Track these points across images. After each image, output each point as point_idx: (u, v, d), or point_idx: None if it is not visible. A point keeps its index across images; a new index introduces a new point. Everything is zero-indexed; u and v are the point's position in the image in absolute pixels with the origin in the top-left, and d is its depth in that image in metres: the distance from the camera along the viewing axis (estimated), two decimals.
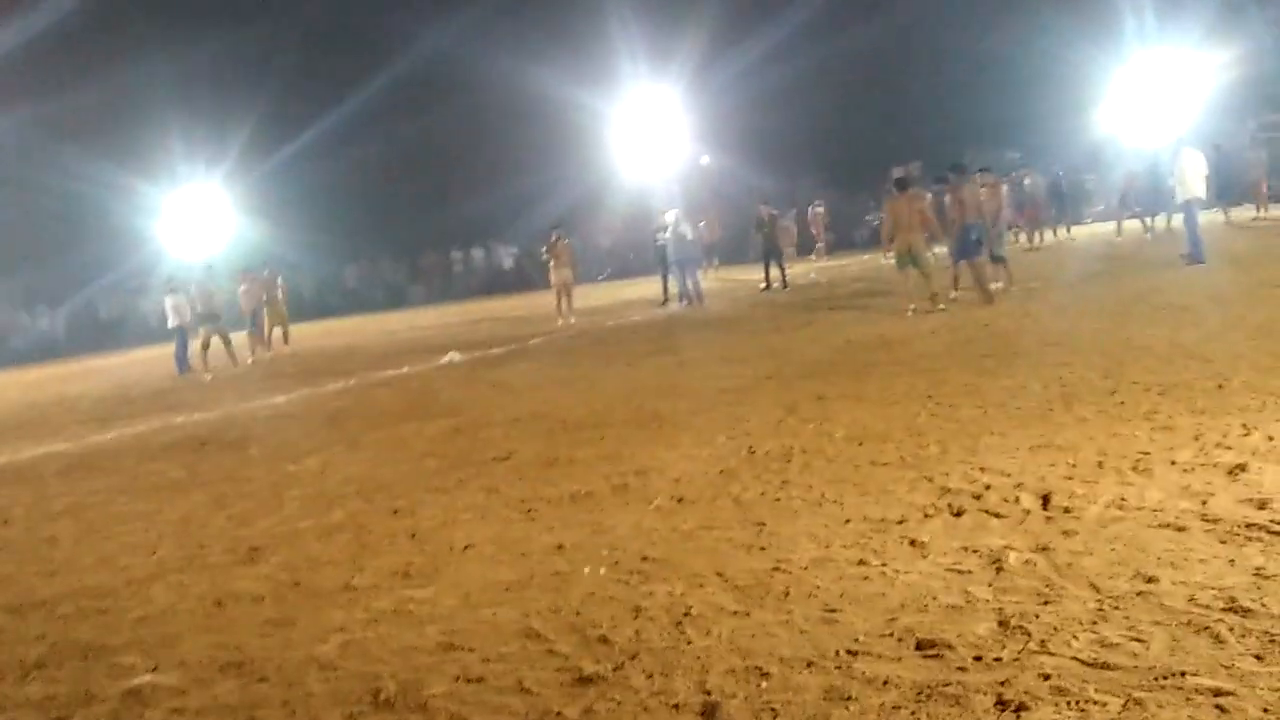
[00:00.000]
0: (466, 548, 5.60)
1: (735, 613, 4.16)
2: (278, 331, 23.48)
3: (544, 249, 23.18)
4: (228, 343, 21.15)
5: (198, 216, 42.95)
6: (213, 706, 3.92)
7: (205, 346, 20.58)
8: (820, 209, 35.94)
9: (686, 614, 4.20)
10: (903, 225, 15.33)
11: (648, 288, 27.27)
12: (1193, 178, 16.97)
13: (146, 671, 4.36)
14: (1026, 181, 27.96)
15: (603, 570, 4.90)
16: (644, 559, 5.00)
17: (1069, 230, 30.41)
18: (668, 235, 22.48)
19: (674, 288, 22.67)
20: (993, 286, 15.58)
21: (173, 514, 7.51)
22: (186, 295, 21.83)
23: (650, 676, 3.66)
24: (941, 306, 14.50)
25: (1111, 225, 27.03)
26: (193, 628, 4.87)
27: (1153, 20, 35.36)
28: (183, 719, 3.86)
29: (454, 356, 17.17)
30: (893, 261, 15.76)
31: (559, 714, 3.45)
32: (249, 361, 22.06)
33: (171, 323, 22.10)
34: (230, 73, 42.01)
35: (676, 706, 3.40)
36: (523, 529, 5.84)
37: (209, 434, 11.60)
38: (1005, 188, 22.53)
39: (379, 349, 21.74)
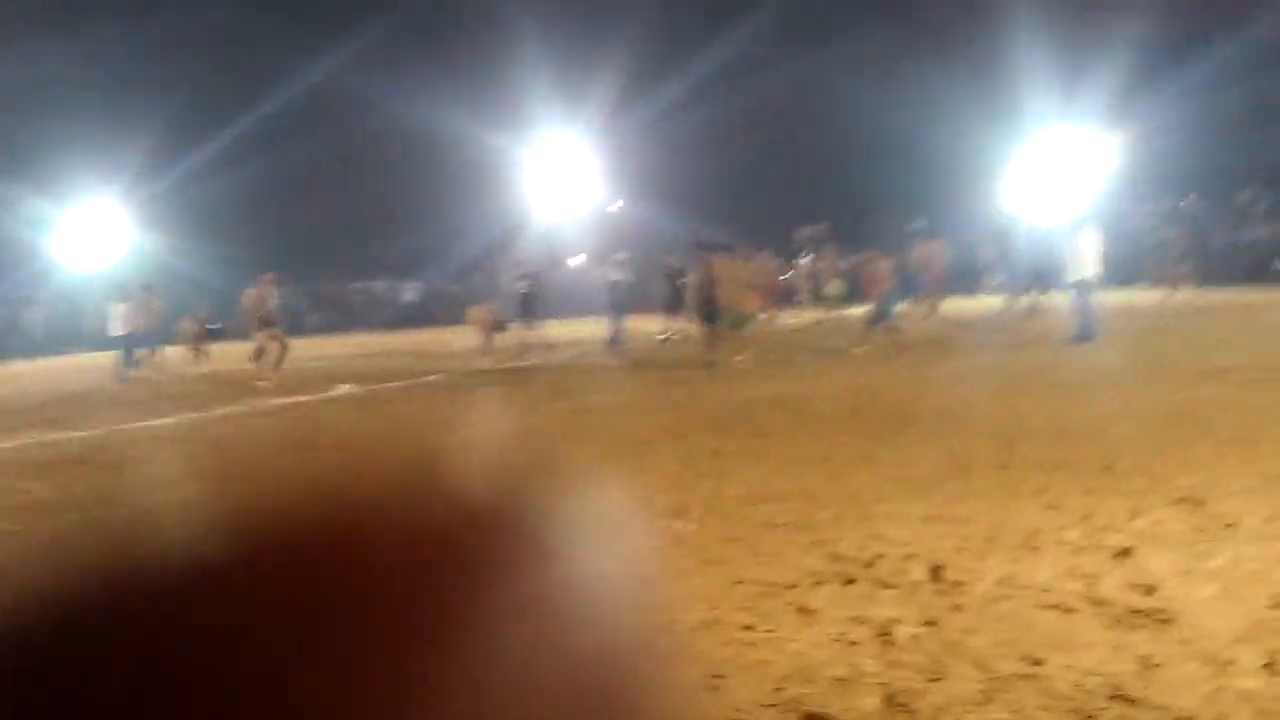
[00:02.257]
0: None
1: None
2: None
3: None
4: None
5: (93, 231, 42.00)
6: None
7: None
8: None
9: None
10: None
11: (554, 330, 27.20)
12: (1089, 257, 17.37)
13: None
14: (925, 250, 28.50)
15: None
16: None
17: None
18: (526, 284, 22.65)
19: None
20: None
21: (40, 538, 7.18)
22: (135, 304, 22.17)
23: None
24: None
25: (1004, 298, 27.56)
26: None
27: (1053, 101, 36.59)
28: None
29: (347, 388, 16.89)
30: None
31: None
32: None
33: (114, 331, 22.08)
34: (130, 84, 41.21)
35: None
36: None
37: (84, 453, 11.19)
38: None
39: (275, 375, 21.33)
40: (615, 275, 22.70)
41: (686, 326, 21.64)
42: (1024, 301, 26.28)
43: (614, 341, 22.03)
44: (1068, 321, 17.95)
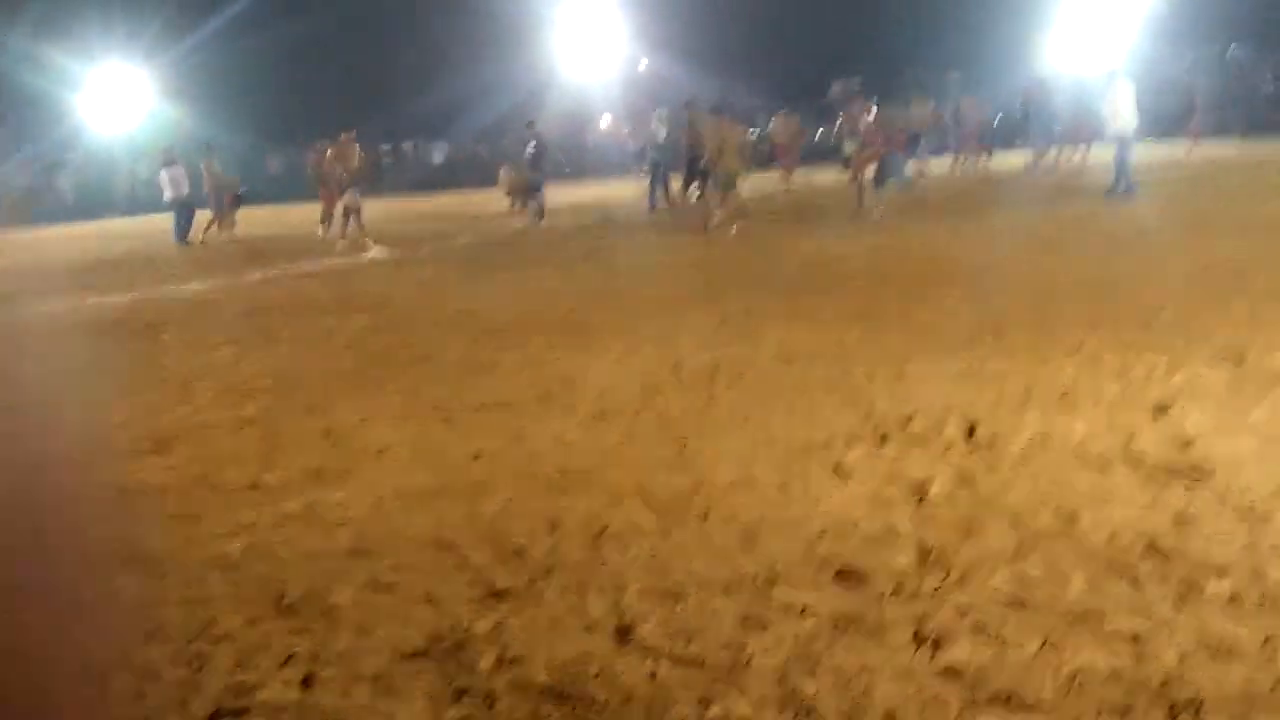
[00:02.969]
0: (381, 450, 5.47)
1: (654, 532, 4.09)
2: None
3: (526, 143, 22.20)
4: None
5: (119, 93, 41.70)
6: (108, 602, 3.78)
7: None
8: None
9: (604, 531, 4.13)
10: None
11: (583, 192, 27.03)
12: (1125, 110, 17.00)
13: None
14: (965, 105, 27.88)
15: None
16: (563, 471, 4.91)
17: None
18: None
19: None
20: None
21: (77, 399, 7.27)
22: (185, 168, 22.03)
23: (564, 593, 3.58)
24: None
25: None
26: (91, 518, 4.70)
27: None
28: (74, 613, 3.71)
29: (377, 252, 16.88)
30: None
31: (468, 629, 3.36)
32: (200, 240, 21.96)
33: (168, 195, 22.03)
34: None
35: (590, 626, 3.33)
36: (440, 434, 5.72)
37: (122, 316, 11.29)
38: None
39: (302, 239, 21.29)
40: (654, 133, 22.29)
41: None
42: (1056, 155, 25.71)
43: (652, 202, 21.75)
44: (1104, 175, 17.63)
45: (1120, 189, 16.48)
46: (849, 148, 20.15)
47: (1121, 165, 16.76)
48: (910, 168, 21.03)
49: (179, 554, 4.19)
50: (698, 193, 17.68)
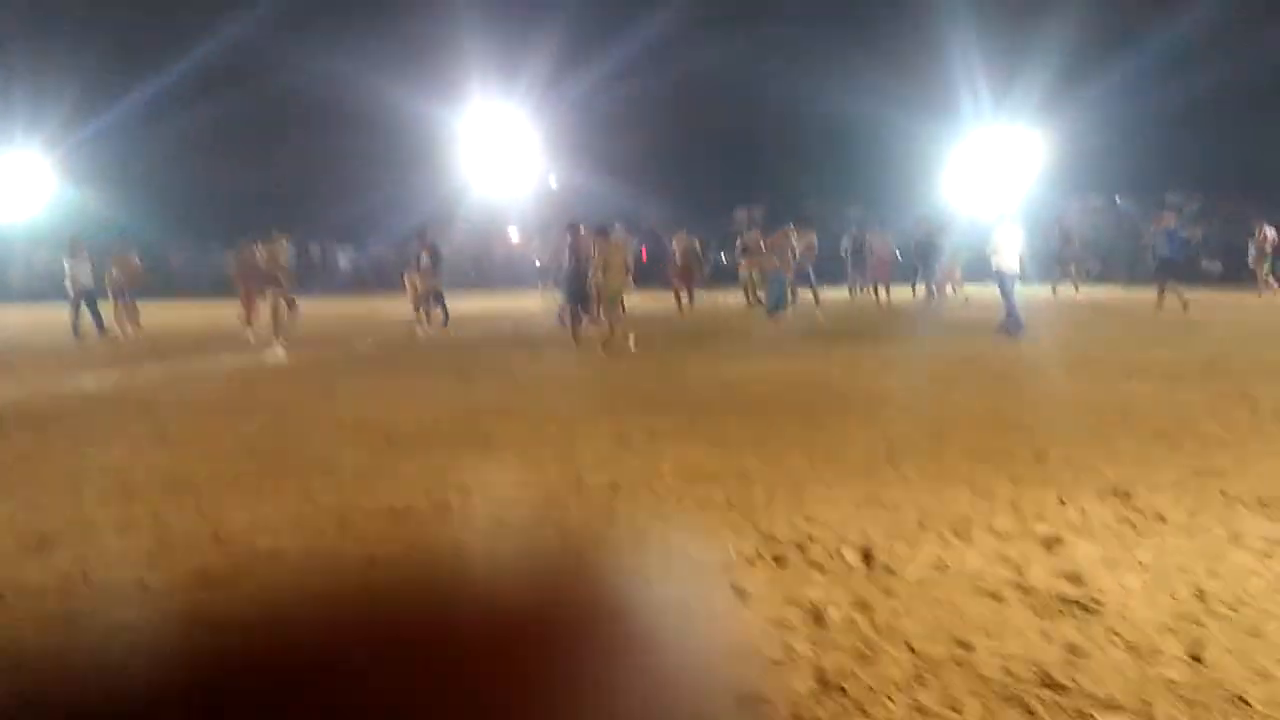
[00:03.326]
0: (273, 555, 5.34)
1: None
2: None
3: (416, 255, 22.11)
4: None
5: (17, 181, 40.99)
6: None
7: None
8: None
9: None
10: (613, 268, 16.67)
11: (491, 303, 27.05)
12: (1007, 251, 17.50)
13: None
14: (872, 238, 28.68)
15: None
16: None
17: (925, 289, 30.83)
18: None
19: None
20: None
21: None
22: (91, 259, 21.61)
23: None
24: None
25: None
26: None
27: (988, 99, 37.03)
28: None
29: (277, 352, 16.65)
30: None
31: None
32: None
33: (71, 287, 21.36)
34: (54, 32, 40.03)
35: None
36: (334, 540, 5.60)
37: (7, 411, 10.93)
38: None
39: (201, 337, 20.93)
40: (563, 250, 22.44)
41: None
42: (942, 292, 26.60)
43: (560, 317, 21.83)
44: (991, 313, 18.15)
45: (1010, 327, 16.97)
46: (744, 272, 20.67)
47: (1009, 303, 17.29)
48: (792, 295, 21.48)
49: (56, 657, 4.01)
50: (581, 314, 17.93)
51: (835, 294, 27.69)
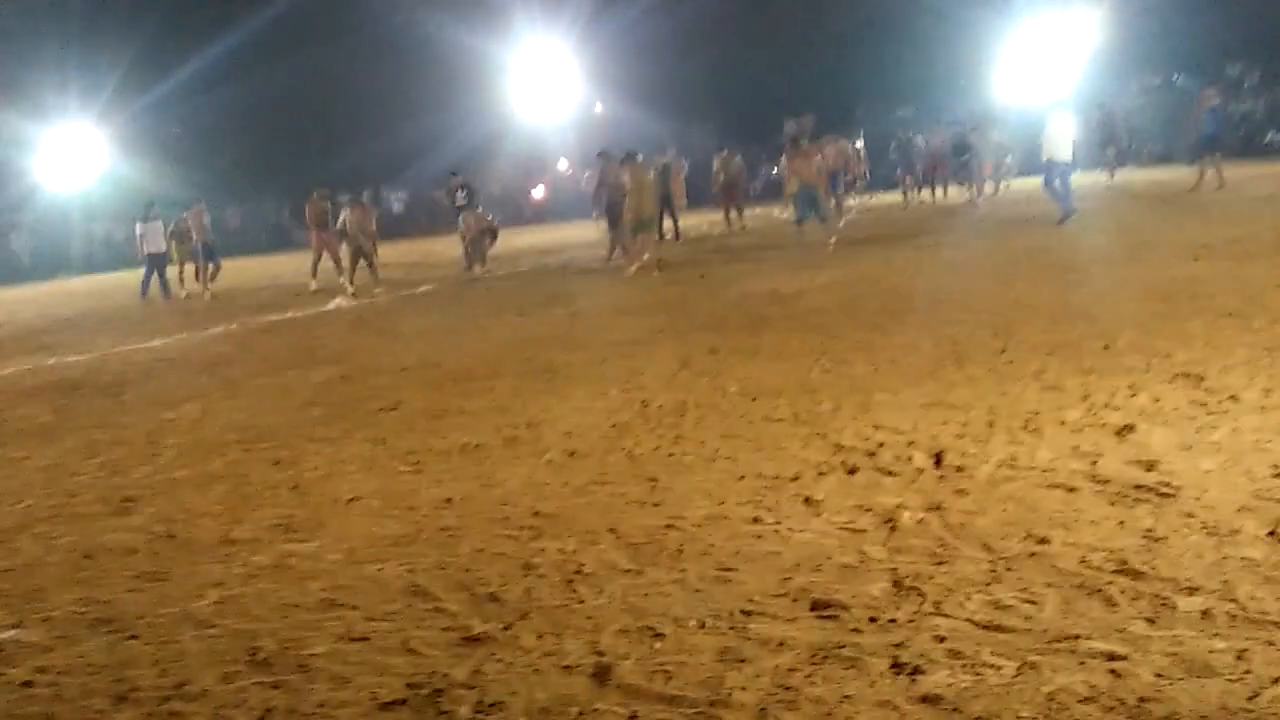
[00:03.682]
0: (351, 500, 5.43)
1: (629, 571, 4.07)
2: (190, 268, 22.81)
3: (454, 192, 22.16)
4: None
5: (73, 153, 41.46)
6: (79, 665, 3.71)
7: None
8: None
9: (578, 572, 4.11)
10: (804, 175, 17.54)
11: (539, 236, 27.06)
12: (1058, 140, 17.26)
13: (9, 628, 4.13)
14: (920, 140, 28.23)
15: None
16: (535, 514, 4.89)
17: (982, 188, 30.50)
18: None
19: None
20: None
21: (41, 461, 7.17)
22: (164, 224, 21.95)
23: (541, 636, 3.56)
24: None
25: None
26: (60, 581, 4.63)
27: None
28: (46, 678, 3.65)
29: (340, 302, 16.84)
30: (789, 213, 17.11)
31: (446, 675, 3.33)
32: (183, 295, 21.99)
33: (144, 250, 21.70)
34: (105, 5, 40.19)
35: (568, 668, 3.31)
36: (410, 482, 5.69)
37: (82, 377, 11.17)
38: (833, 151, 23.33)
39: (263, 292, 21.18)
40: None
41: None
42: (981, 190, 26.18)
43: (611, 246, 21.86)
44: (1044, 205, 17.87)
45: (1063, 215, 16.74)
46: (792, 185, 20.56)
47: (1061, 193, 17.04)
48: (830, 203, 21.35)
49: (149, 614, 4.14)
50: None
51: (890, 197, 27.40)
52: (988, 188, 26.44)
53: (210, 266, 21.84)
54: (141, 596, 4.34)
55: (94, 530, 5.37)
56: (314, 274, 19.81)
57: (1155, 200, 20.92)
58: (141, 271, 22.18)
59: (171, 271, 22.25)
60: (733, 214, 25.49)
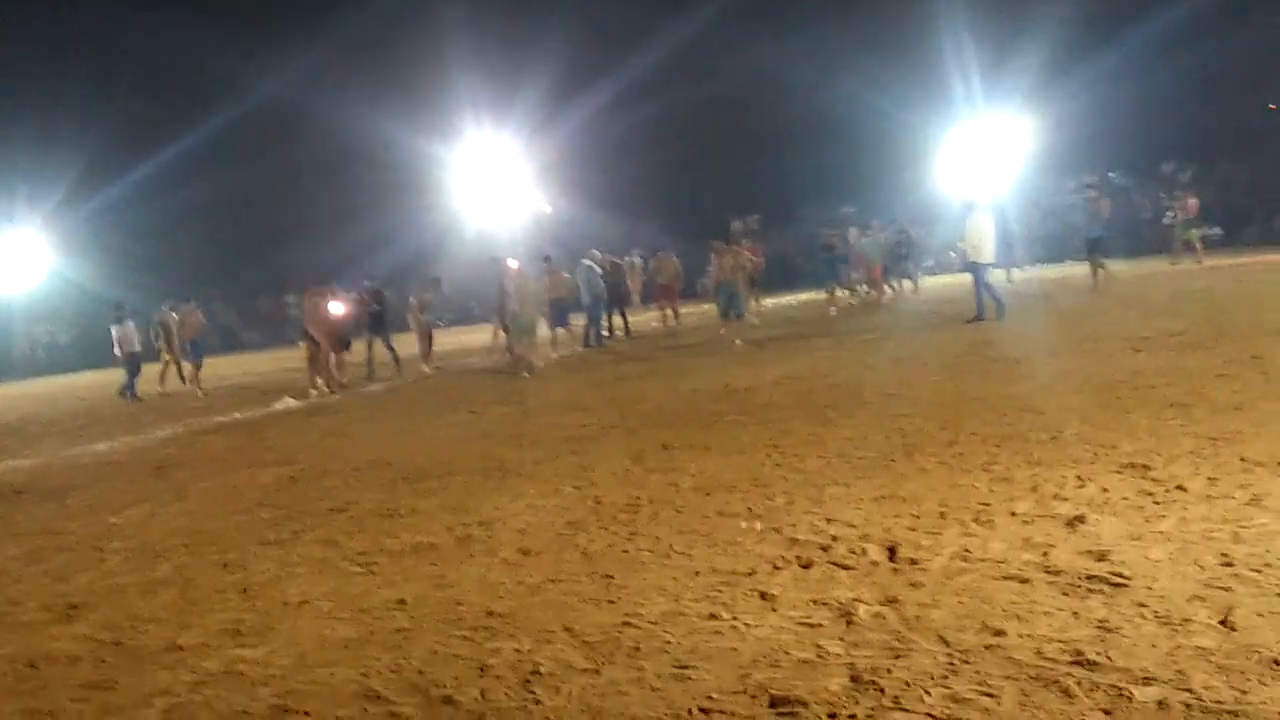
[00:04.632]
0: (302, 603, 5.34)
1: (585, 670, 4.03)
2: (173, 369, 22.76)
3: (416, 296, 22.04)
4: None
5: (16, 256, 41.35)
6: None
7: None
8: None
9: (535, 672, 4.06)
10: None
11: (486, 335, 26.97)
12: (980, 241, 17.39)
13: None
14: (859, 238, 28.71)
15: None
16: (489, 614, 4.83)
17: (913, 283, 31.11)
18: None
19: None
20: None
21: None
22: (135, 325, 21.92)
23: None
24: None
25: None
26: (2, 692, 4.51)
27: (978, 87, 37.00)
28: None
29: (289, 402, 16.72)
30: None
31: None
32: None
33: (120, 351, 21.53)
34: (55, 109, 40.32)
35: None
36: (362, 583, 5.62)
37: (25, 482, 10.98)
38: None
39: (210, 394, 20.97)
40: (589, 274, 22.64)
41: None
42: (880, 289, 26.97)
43: (590, 338, 22.15)
44: (971, 301, 18.01)
45: (983, 314, 16.98)
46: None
47: (981, 292, 17.25)
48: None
49: None
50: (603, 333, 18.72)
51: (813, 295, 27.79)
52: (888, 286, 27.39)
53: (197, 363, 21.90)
54: (86, 707, 4.23)
55: (37, 639, 5.24)
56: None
57: (1091, 295, 21.29)
58: (121, 372, 22.01)
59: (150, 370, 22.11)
60: (668, 312, 25.74)
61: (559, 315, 21.96)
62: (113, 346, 21.84)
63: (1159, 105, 37.57)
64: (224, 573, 6.16)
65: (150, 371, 22.27)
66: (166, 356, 22.55)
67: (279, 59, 40.22)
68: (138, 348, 21.87)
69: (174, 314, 22.56)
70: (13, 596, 6.15)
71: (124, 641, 5.04)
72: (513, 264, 19.63)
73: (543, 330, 20.11)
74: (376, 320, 20.81)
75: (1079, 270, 26.31)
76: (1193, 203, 28.39)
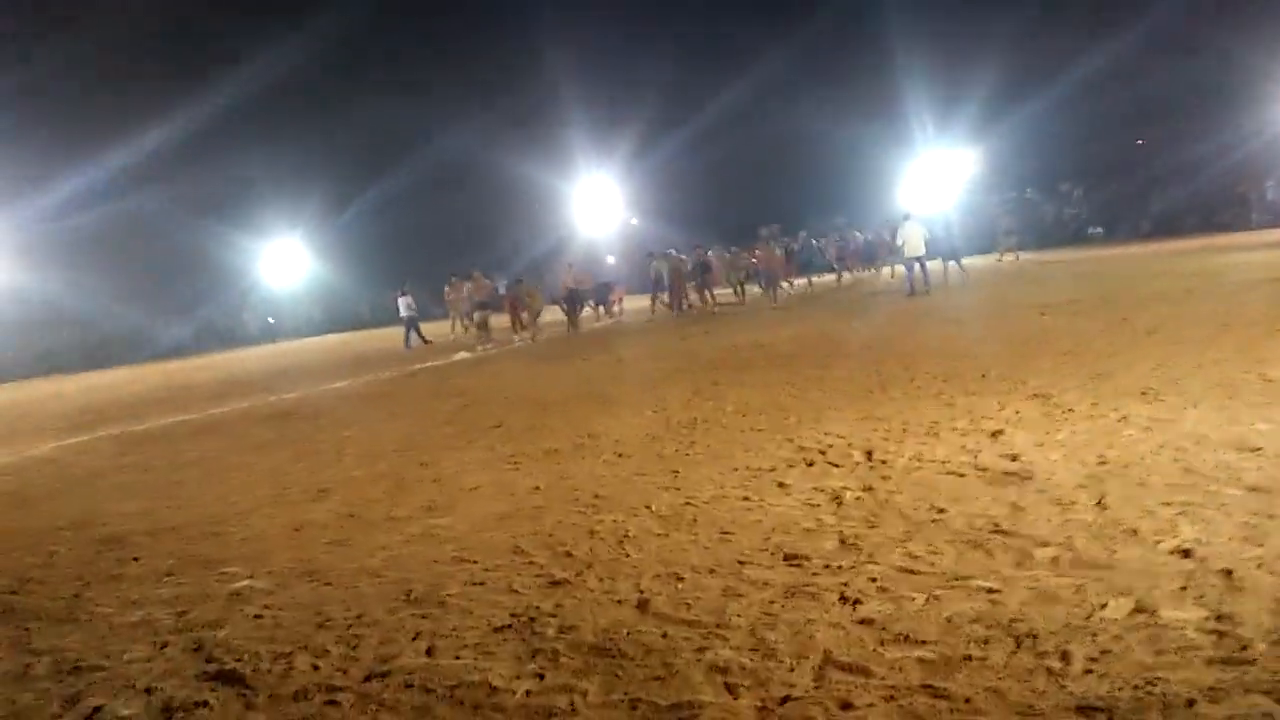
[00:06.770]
0: (473, 489, 5.45)
1: (659, 534, 4.07)
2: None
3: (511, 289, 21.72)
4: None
5: (284, 260, 42.59)
6: (292, 603, 3.75)
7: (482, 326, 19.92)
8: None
9: (626, 535, 4.11)
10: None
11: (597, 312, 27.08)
12: (913, 241, 17.42)
13: (246, 578, 4.18)
14: (838, 237, 28.23)
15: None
16: (596, 496, 4.89)
17: (877, 271, 30.50)
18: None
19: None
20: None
21: (266, 465, 7.26)
22: (415, 295, 22.11)
23: (601, 580, 3.56)
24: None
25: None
26: (279, 546, 4.68)
27: (933, 128, 36.12)
28: (270, 612, 3.68)
29: (464, 354, 16.93)
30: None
31: (537, 607, 3.34)
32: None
33: (403, 313, 21.55)
34: (309, 155, 40.96)
35: (620, 601, 3.31)
36: (511, 476, 5.71)
37: (291, 408, 11.29)
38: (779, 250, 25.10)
39: (413, 350, 21.31)
40: (660, 264, 22.37)
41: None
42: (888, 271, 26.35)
43: (676, 309, 21.66)
44: (905, 282, 17.94)
45: (916, 289, 17.12)
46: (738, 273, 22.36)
47: (913, 276, 17.38)
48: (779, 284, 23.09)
49: (338, 568, 4.17)
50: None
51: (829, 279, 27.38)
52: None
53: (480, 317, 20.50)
54: (332, 557, 4.37)
55: (300, 511, 5.42)
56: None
57: (1007, 275, 20.69)
58: (401, 329, 21.80)
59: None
60: (706, 295, 25.17)
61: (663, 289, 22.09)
62: (397, 311, 21.80)
63: (1061, 140, 36.54)
64: (422, 469, 6.30)
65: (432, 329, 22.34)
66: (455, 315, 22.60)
67: (461, 123, 40.61)
68: (413, 311, 21.45)
69: (467, 283, 21.91)
70: (284, 484, 6.35)
71: (356, 514, 5.19)
72: (675, 253, 21.84)
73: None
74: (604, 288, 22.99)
75: (1005, 260, 25.68)
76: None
